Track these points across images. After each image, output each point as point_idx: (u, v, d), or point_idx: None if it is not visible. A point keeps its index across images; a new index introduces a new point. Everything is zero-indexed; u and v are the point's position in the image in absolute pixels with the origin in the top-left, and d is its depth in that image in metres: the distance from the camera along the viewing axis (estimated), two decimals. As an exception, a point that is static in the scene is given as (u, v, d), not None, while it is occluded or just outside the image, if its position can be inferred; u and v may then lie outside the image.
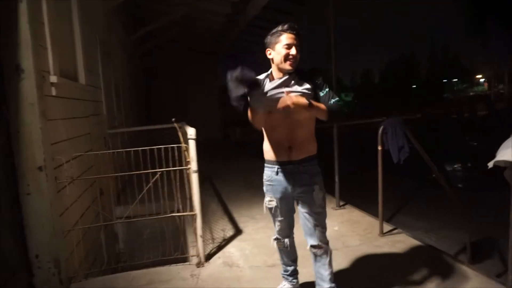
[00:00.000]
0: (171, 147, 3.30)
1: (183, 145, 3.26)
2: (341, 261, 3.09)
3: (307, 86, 2.09)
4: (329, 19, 4.69)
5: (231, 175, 7.74)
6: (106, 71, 5.74)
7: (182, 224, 3.79)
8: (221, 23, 11.12)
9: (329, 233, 3.82)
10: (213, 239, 3.84)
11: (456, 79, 54.15)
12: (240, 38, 12.93)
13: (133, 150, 3.26)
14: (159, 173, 3.21)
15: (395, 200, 5.81)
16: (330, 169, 4.86)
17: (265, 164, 2.28)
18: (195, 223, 3.22)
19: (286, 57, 2.01)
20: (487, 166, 2.41)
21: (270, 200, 2.28)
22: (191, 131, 3.16)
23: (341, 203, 4.86)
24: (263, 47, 2.14)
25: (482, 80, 54.45)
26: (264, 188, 2.31)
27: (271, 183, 2.23)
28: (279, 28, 2.04)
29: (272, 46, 2.07)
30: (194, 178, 3.18)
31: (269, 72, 2.16)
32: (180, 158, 3.40)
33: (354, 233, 3.83)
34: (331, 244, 3.46)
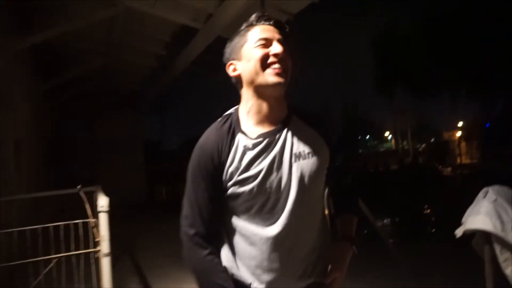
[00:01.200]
0: (74, 223, 2.53)
1: (91, 220, 2.52)
2: None
3: (318, 137, 1.19)
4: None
5: (155, 243, 6.78)
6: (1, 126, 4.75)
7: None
8: (145, 76, 10.67)
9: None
10: None
11: (368, 136, 59.77)
12: (166, 93, 12.54)
13: (18, 230, 2.42)
14: (54, 260, 2.40)
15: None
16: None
17: None
18: (105, 326, 2.41)
19: (265, 60, 1.11)
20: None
21: None
22: (102, 201, 2.47)
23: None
24: (220, 67, 1.25)
25: (389, 137, 60.95)
26: None
27: None
28: (243, 26, 1.20)
29: (235, 54, 1.18)
30: (106, 263, 2.43)
31: (235, 112, 1.22)
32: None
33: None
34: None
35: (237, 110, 1.21)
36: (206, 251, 1.13)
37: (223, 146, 1.12)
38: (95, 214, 2.55)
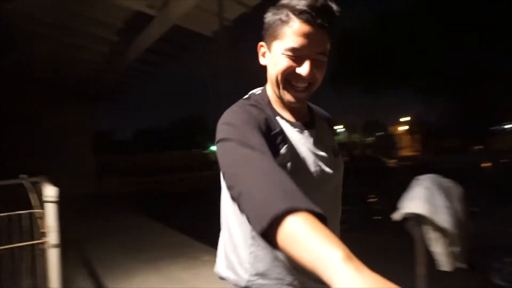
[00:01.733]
0: (18, 214, 2.42)
1: (36, 210, 2.43)
2: None
3: (330, 131, 1.15)
4: (220, 62, 4.50)
5: (105, 235, 6.59)
6: None
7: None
8: (96, 63, 10.18)
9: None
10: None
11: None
12: (119, 81, 12.05)
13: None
14: (-3, 252, 2.28)
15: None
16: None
17: None
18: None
19: (288, 77, 0.94)
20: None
21: None
22: (50, 191, 2.38)
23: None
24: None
25: (341, 130, 63.35)
26: None
27: None
28: (286, 5, 0.91)
29: (268, 39, 0.97)
30: (54, 255, 2.36)
31: (268, 88, 1.05)
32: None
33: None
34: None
35: (265, 91, 1.05)
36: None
37: (267, 118, 0.94)
38: (42, 205, 2.45)
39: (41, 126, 11.98)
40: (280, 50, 0.91)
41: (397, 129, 47.02)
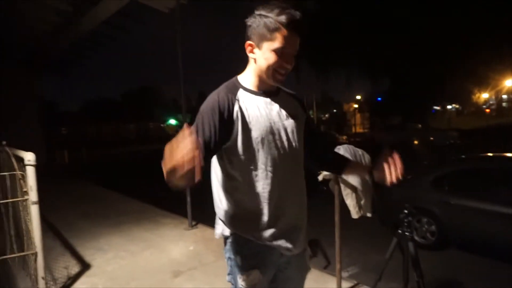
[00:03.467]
0: (3, 175, 2.76)
1: (18, 172, 2.78)
2: (200, 278, 3.21)
3: (297, 104, 1.48)
4: (177, 40, 4.82)
5: (64, 204, 6.83)
6: None
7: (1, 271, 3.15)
8: (46, 32, 9.85)
9: (185, 253, 3.92)
10: (54, 280, 3.33)
11: (277, 105, 62.59)
12: (70, 51, 11.70)
13: None
14: (-17, 209, 2.63)
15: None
16: (183, 191, 4.97)
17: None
18: (35, 264, 2.76)
19: (276, 68, 1.27)
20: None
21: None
22: (29, 156, 2.74)
23: (193, 223, 4.98)
24: (242, 36, 1.33)
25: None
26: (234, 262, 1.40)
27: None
28: (276, 14, 1.22)
29: (257, 40, 1.27)
30: (34, 210, 2.74)
31: (243, 75, 1.38)
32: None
33: (209, 250, 4.01)
34: (188, 264, 3.56)
35: (237, 79, 1.38)
36: None
37: (230, 98, 1.27)
38: (19, 168, 2.80)
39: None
40: (270, 48, 1.24)
41: (351, 107, 48.98)
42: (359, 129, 39.67)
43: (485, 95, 39.11)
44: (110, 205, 6.65)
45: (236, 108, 1.26)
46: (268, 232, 1.32)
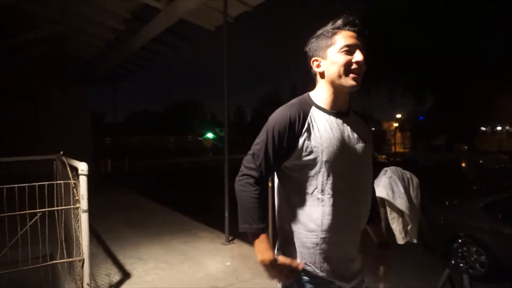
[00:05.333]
0: (57, 183, 2.93)
1: (71, 181, 2.94)
2: (238, 296, 3.18)
3: (367, 127, 1.44)
4: (224, 54, 4.94)
5: (109, 211, 7.10)
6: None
7: (50, 274, 3.29)
8: (100, 48, 10.53)
9: (222, 268, 3.92)
10: (97, 286, 3.45)
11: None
12: (120, 66, 12.39)
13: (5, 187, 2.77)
14: (39, 214, 2.80)
15: (273, 231, 6.26)
16: (220, 204, 5.01)
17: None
18: (82, 270, 2.88)
19: (348, 67, 1.26)
20: None
21: None
22: (82, 166, 2.89)
23: (230, 238, 4.99)
24: (303, 57, 1.38)
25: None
26: None
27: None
28: (329, 25, 1.31)
29: (321, 52, 1.30)
30: (84, 218, 2.88)
31: (315, 92, 1.35)
32: (51, 196, 3.04)
33: (246, 267, 3.98)
34: (225, 280, 3.54)
35: (308, 95, 1.36)
36: (255, 189, 1.25)
37: (301, 116, 1.25)
38: (73, 176, 2.96)
39: (44, 107, 12.34)
40: (335, 51, 1.26)
41: (391, 125, 47.58)
42: (399, 149, 38.27)
43: (540, 117, 36.44)
44: (149, 215, 6.83)
45: (306, 126, 1.24)
46: (325, 265, 1.27)
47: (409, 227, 2.82)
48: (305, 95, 1.37)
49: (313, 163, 1.23)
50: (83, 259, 2.87)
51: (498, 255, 4.16)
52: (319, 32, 1.32)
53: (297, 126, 1.23)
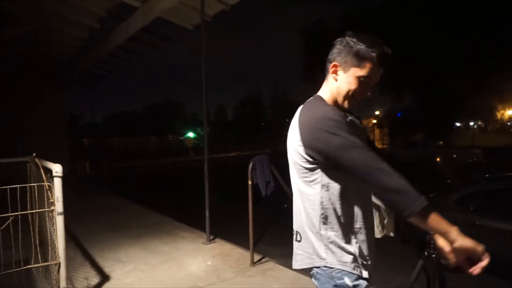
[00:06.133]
0: (31, 186, 2.85)
1: (45, 183, 2.86)
2: (219, 295, 3.18)
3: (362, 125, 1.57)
4: (202, 55, 4.92)
5: (87, 214, 6.95)
6: None
7: (25, 280, 3.20)
8: (75, 48, 10.28)
9: (203, 268, 3.91)
10: (75, 290, 3.38)
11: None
12: (97, 66, 12.13)
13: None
14: (11, 218, 2.71)
15: (255, 229, 6.26)
16: (200, 204, 4.99)
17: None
18: (58, 274, 2.81)
19: (356, 95, 1.33)
20: None
21: None
22: (57, 168, 2.82)
23: (211, 237, 4.98)
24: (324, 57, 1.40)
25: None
26: None
27: None
28: (369, 46, 1.29)
29: (345, 64, 1.32)
30: (60, 221, 2.81)
31: (324, 94, 1.40)
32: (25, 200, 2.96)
33: (227, 266, 3.98)
34: (206, 279, 3.54)
35: (322, 98, 1.38)
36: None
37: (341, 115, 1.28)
38: (47, 178, 2.89)
39: (19, 107, 11.92)
40: (356, 74, 1.29)
41: (370, 122, 48.41)
42: (378, 145, 38.94)
43: (510, 112, 37.98)
44: (129, 217, 6.73)
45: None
46: (368, 264, 1.37)
47: (385, 221, 2.88)
48: (319, 97, 1.38)
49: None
50: (59, 262, 2.80)
51: (471, 245, 4.32)
52: (357, 42, 1.30)
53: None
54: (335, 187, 1.27)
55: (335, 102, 1.36)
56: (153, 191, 11.70)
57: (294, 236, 1.42)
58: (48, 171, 2.93)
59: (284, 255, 5.34)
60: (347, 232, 1.30)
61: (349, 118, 1.40)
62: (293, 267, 1.41)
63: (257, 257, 4.18)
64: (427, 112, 23.65)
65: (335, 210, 1.28)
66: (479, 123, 49.18)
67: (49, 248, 3.02)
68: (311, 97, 1.41)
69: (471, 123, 47.95)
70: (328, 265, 1.29)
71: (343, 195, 1.28)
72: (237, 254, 4.39)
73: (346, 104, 1.34)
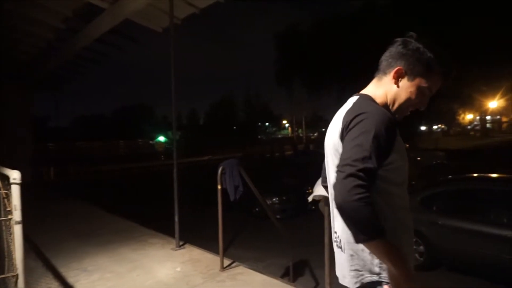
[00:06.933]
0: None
1: (2, 191, 2.72)
2: (188, 302, 3.13)
3: None
4: (171, 58, 4.87)
5: (50, 222, 6.67)
6: None
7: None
8: (39, 48, 9.87)
9: (172, 274, 3.84)
10: (35, 302, 3.23)
11: (268, 123, 63.19)
12: (62, 67, 11.68)
13: None
14: (-36, 228, 2.56)
15: (225, 234, 6.23)
16: (170, 209, 4.90)
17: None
18: (16, 286, 2.67)
19: (412, 106, 1.28)
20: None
21: None
22: (15, 175, 2.68)
23: (181, 243, 4.90)
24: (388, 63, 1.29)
25: (286, 125, 65.42)
26: None
27: None
28: (441, 59, 1.23)
29: (412, 72, 1.24)
30: (17, 230, 2.67)
31: (378, 96, 1.30)
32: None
33: (196, 272, 3.93)
34: (175, 286, 3.48)
35: (375, 100, 1.28)
36: (367, 195, 1.05)
37: (396, 122, 1.19)
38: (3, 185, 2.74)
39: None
40: (420, 85, 1.22)
41: (339, 126, 49.20)
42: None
43: (469, 116, 40.02)
44: (96, 224, 6.50)
45: (396, 134, 1.19)
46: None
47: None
48: (372, 99, 1.28)
49: (400, 167, 1.22)
50: (17, 274, 2.66)
51: (434, 244, 4.50)
52: (426, 52, 1.21)
53: (393, 133, 1.18)
54: (385, 190, 1.19)
55: (386, 107, 1.27)
56: (122, 197, 11.38)
57: (338, 244, 1.31)
58: (6, 178, 2.79)
59: (254, 259, 5.37)
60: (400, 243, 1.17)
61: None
62: (343, 283, 1.29)
63: (227, 262, 4.15)
64: (394, 116, 24.40)
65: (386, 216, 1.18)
66: (442, 126, 51.49)
67: (6, 259, 2.87)
68: (362, 94, 1.33)
69: (435, 127, 50.12)
70: (382, 279, 1.19)
71: (391, 200, 1.21)
72: (207, 259, 4.35)
73: (398, 111, 1.27)
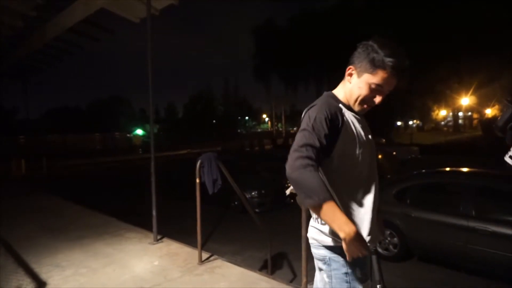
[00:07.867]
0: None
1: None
2: (165, 296, 3.11)
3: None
4: (147, 49, 4.78)
5: (21, 217, 6.44)
6: None
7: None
8: (5, 37, 9.42)
9: (149, 268, 3.80)
10: (5, 300, 3.12)
11: (247, 117, 63.19)
12: (31, 57, 11.20)
13: None
14: None
15: (204, 227, 6.22)
16: (148, 203, 4.84)
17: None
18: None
19: (366, 100, 1.40)
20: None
21: None
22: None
23: (159, 237, 4.85)
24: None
25: (266, 119, 65.59)
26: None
27: None
28: (386, 55, 1.31)
29: (359, 69, 1.37)
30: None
31: (339, 93, 1.48)
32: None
33: (174, 266, 3.90)
34: (152, 280, 3.45)
35: (334, 95, 1.47)
36: (311, 164, 1.21)
37: (337, 114, 1.36)
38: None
39: None
40: (368, 81, 1.36)
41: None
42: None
43: (443, 112, 41.37)
44: (70, 219, 6.33)
45: (340, 122, 1.35)
46: (369, 238, 1.41)
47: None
48: (331, 95, 1.47)
49: (349, 155, 1.37)
50: (-15, 271, 2.57)
51: (408, 236, 4.65)
52: (375, 49, 1.33)
53: (335, 122, 1.33)
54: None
55: (347, 103, 1.44)
56: (98, 191, 11.13)
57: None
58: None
59: (233, 252, 5.39)
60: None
61: (352, 114, 1.44)
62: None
63: (205, 255, 4.14)
64: (371, 111, 24.90)
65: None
66: (417, 122, 53.01)
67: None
68: (327, 92, 1.50)
69: (410, 122, 51.52)
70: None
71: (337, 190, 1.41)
72: (185, 253, 4.32)
73: (356, 107, 1.42)
